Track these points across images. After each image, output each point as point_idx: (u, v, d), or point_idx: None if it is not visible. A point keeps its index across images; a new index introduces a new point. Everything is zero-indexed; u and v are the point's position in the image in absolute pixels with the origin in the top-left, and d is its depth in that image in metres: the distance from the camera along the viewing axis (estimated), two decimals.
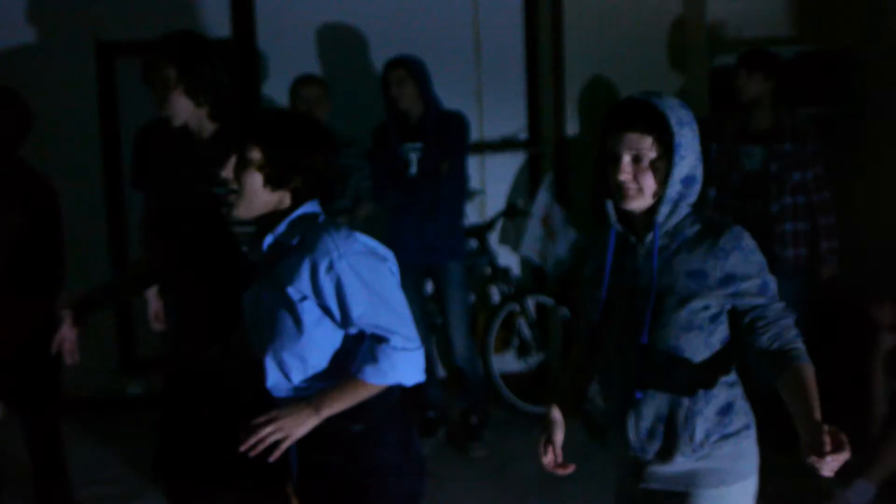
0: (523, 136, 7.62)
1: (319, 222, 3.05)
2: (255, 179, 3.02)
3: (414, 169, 6.21)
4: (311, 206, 3.09)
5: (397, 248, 6.10)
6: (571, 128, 7.47)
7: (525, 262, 7.48)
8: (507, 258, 7.41)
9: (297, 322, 2.96)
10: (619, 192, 2.93)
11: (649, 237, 2.95)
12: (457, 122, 6.31)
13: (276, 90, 7.05)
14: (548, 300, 7.04)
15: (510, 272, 7.11)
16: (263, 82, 7.16)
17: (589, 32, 7.36)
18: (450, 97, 6.66)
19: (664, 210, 2.91)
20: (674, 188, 2.89)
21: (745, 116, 6.15)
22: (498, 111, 7.48)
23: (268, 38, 7.12)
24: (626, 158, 2.89)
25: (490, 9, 7.42)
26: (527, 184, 7.60)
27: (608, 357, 3.06)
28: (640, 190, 2.90)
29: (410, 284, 6.29)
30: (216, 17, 7.03)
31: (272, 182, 3.02)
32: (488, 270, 7.03)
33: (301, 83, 6.31)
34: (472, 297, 7.22)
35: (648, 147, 2.87)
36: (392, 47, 6.57)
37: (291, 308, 2.96)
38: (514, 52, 7.53)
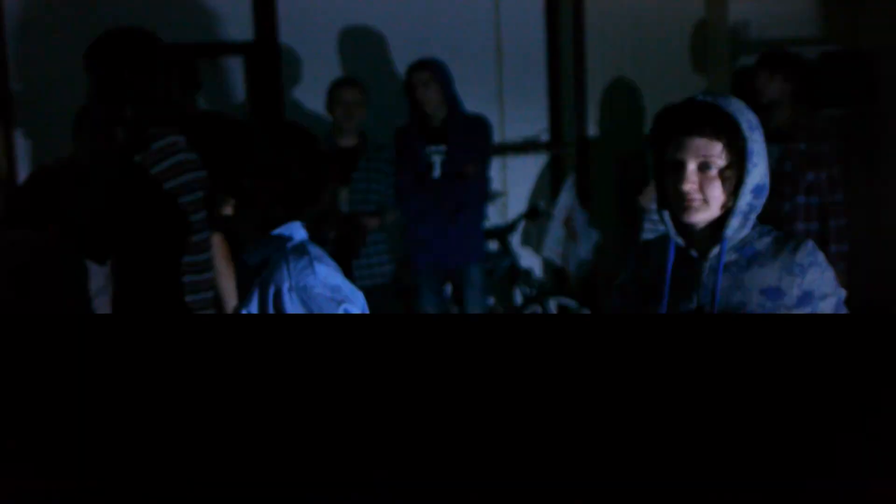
0: (545, 137, 7.64)
1: (286, 247, 2.90)
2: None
3: (437, 172, 6.24)
4: (287, 229, 2.94)
5: (418, 252, 6.27)
6: (593, 129, 7.49)
7: (547, 264, 7.51)
8: (529, 260, 7.44)
9: None
10: (680, 203, 2.66)
11: (714, 251, 2.69)
12: (481, 126, 6.34)
13: (301, 94, 7.11)
14: (570, 302, 7.05)
15: (532, 274, 7.14)
16: (291, 86, 7.20)
17: (611, 34, 7.38)
18: (471, 99, 6.66)
19: (734, 223, 2.65)
20: (744, 199, 2.63)
21: (765, 116, 6.14)
22: (519, 112, 7.50)
23: (290, 41, 7.16)
24: (692, 166, 2.63)
25: (511, 10, 7.44)
26: (549, 185, 7.63)
27: None
28: (706, 201, 2.64)
29: (431, 287, 6.35)
30: (238, 21, 7.07)
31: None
32: (509, 272, 7.05)
33: (339, 86, 6.28)
34: (492, 300, 7.25)
35: (718, 154, 2.61)
36: (413, 49, 6.61)
37: None
38: (535, 53, 7.56)
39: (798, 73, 6.06)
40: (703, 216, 2.65)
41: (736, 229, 2.67)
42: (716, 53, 7.41)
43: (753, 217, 2.69)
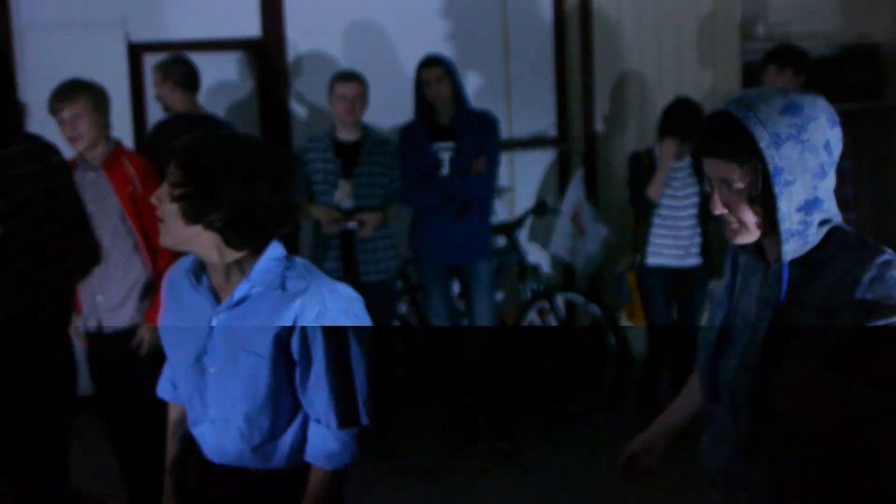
0: (552, 132, 7.60)
1: (295, 265, 2.83)
2: (171, 208, 2.70)
3: (446, 169, 6.19)
4: (276, 250, 2.82)
5: (425, 248, 6.24)
6: (600, 124, 7.45)
7: (555, 260, 7.47)
8: (537, 256, 7.40)
9: (264, 383, 2.77)
10: (721, 227, 2.39)
11: (774, 268, 2.39)
12: (489, 122, 6.28)
13: (307, 89, 7.11)
14: (577, 297, 7.02)
15: (539, 270, 7.10)
16: (297, 81, 7.19)
17: (617, 27, 7.35)
18: (478, 94, 6.60)
19: (788, 248, 2.31)
20: (789, 221, 2.28)
21: None
22: (526, 108, 7.47)
23: (297, 38, 7.14)
24: (716, 188, 2.35)
25: (518, 4, 7.41)
26: (556, 181, 7.60)
27: (720, 401, 2.47)
28: (743, 224, 2.34)
29: (438, 285, 6.32)
30: (246, 17, 7.06)
31: (185, 214, 2.69)
32: (517, 268, 7.01)
33: (339, 80, 6.19)
34: (500, 295, 7.21)
35: (737, 177, 2.28)
36: (420, 45, 6.57)
37: (258, 367, 2.75)
38: (542, 48, 7.52)
39: (807, 68, 6.02)
40: (744, 239, 2.37)
41: (796, 251, 2.33)
42: (724, 46, 7.36)
43: (813, 232, 2.31)
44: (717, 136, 2.31)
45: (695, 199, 6.11)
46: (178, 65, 6.16)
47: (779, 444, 2.34)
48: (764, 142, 2.24)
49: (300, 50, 7.17)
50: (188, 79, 6.15)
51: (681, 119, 5.99)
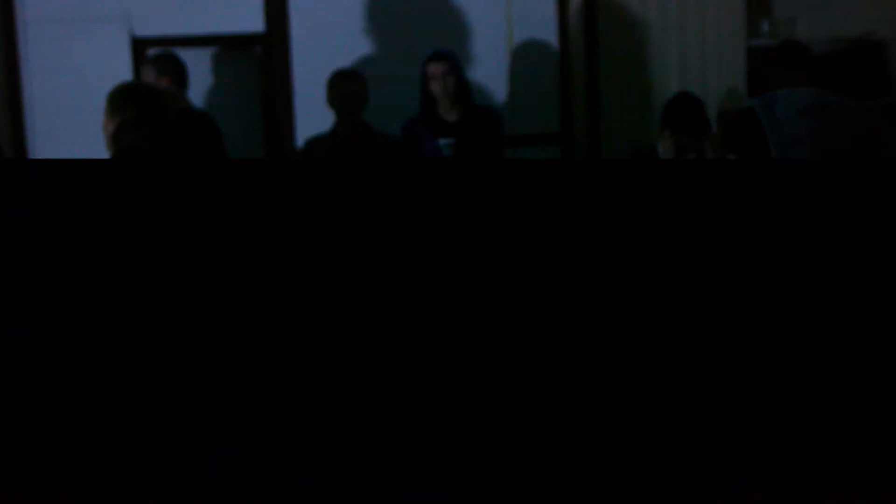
0: (555, 129, 7.58)
1: None
2: None
3: None
4: None
5: None
6: (604, 120, 7.43)
7: None
8: None
9: None
10: None
11: None
12: (493, 117, 6.28)
13: (309, 85, 7.08)
14: None
15: None
16: (297, 77, 7.18)
17: (623, 20, 7.33)
18: (482, 90, 6.57)
19: None
20: None
21: None
22: (529, 103, 7.45)
23: (301, 34, 7.13)
24: None
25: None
26: None
27: None
28: None
29: None
30: (250, 12, 7.06)
31: None
32: None
33: (339, 78, 6.22)
34: None
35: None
36: (424, 41, 6.55)
37: None
38: (546, 42, 7.50)
39: (810, 63, 6.03)
40: None
41: None
42: (730, 43, 7.35)
43: None
44: (737, 134, 2.32)
45: None
46: (173, 60, 6.22)
47: None
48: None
49: (304, 46, 7.16)
50: (183, 74, 6.23)
51: (683, 114, 5.97)
